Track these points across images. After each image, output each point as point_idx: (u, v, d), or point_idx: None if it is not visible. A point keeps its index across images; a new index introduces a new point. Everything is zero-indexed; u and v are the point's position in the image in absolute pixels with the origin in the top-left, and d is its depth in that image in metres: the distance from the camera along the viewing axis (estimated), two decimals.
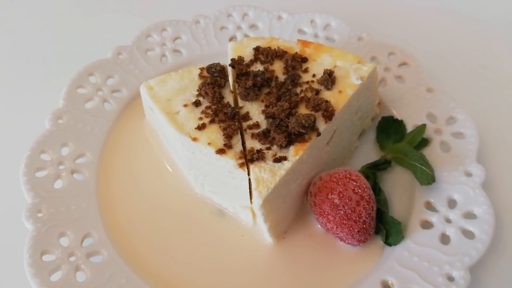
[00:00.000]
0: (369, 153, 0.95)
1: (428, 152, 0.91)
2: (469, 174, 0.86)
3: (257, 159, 0.77)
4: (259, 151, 0.78)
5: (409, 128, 0.95)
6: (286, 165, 0.76)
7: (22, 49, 1.16)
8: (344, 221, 0.78)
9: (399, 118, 0.97)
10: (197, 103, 0.84)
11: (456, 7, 1.25)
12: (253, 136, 0.80)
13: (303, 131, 0.78)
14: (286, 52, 0.91)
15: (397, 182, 0.90)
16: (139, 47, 1.06)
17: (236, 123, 0.81)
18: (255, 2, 1.15)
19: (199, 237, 0.85)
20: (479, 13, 1.23)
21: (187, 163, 0.86)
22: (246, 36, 1.11)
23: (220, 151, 0.78)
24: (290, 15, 1.13)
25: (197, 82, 0.88)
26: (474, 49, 1.15)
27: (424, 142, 0.92)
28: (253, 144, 0.79)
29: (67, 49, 1.16)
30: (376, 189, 0.87)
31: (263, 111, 0.83)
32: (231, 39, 1.10)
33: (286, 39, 1.07)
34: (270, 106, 0.82)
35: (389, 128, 0.96)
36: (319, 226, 0.84)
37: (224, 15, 1.13)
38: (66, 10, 1.26)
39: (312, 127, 0.79)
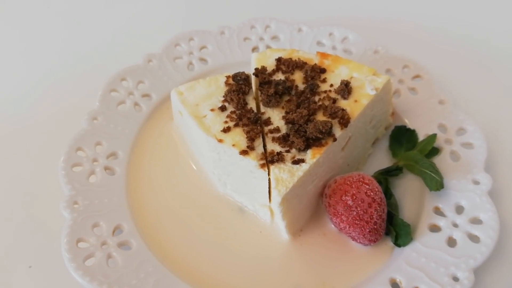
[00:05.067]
0: (382, 160, 1.01)
1: (438, 161, 0.96)
2: (476, 182, 0.91)
3: (277, 161, 0.83)
4: (279, 153, 0.84)
5: (421, 137, 1.00)
6: (304, 166, 0.82)
7: (61, 56, 1.25)
8: (356, 221, 0.84)
9: (412, 128, 1.02)
10: (222, 108, 0.91)
11: (469, 23, 1.30)
12: (273, 139, 0.86)
13: (320, 136, 0.84)
14: (306, 63, 0.97)
15: (407, 188, 0.95)
16: (168, 55, 1.13)
17: (258, 127, 0.88)
18: (277, 15, 1.23)
19: (220, 232, 0.91)
20: (492, 29, 1.28)
21: (211, 163, 0.93)
22: (268, 47, 1.17)
23: (243, 152, 0.84)
24: (309, 28, 1.19)
25: (223, 89, 0.95)
26: (485, 64, 1.20)
27: (435, 151, 0.97)
28: (274, 147, 0.86)
29: (103, 55, 1.24)
30: (388, 194, 0.92)
31: (283, 117, 0.89)
32: (253, 49, 1.17)
33: (306, 50, 1.14)
34: (290, 113, 0.89)
35: (402, 137, 1.01)
36: (333, 226, 0.90)
37: (247, 26, 1.20)
38: (101, 20, 1.34)
39: (329, 133, 0.85)
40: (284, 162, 0.83)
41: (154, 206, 0.94)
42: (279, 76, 0.96)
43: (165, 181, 0.98)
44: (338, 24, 1.19)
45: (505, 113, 1.10)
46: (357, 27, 1.19)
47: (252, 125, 0.88)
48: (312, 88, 0.92)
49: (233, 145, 0.85)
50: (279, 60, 0.98)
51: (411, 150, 0.98)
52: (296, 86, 0.94)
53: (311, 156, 0.83)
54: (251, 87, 0.95)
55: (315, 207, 0.92)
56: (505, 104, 1.11)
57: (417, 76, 1.10)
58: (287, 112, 0.90)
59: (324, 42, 1.18)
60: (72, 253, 0.82)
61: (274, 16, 1.21)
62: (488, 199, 0.88)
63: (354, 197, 0.84)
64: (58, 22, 1.34)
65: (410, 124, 1.03)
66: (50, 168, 0.96)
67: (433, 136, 0.97)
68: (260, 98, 0.93)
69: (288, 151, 0.85)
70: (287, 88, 0.93)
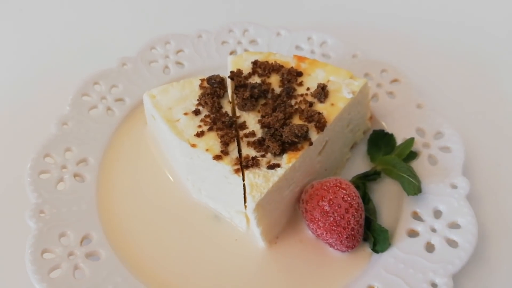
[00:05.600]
0: (360, 164, 0.99)
1: (416, 165, 0.95)
2: (454, 186, 0.90)
3: (252, 166, 0.81)
4: (254, 158, 0.82)
5: (399, 141, 0.99)
6: (279, 171, 0.80)
7: (31, 58, 1.21)
8: (333, 227, 0.82)
9: (390, 132, 1.01)
10: (196, 112, 0.89)
11: (447, 28, 1.30)
12: (249, 144, 0.84)
13: (296, 140, 0.82)
14: (282, 66, 0.95)
15: (386, 192, 0.94)
16: (143, 59, 1.10)
17: (233, 131, 0.86)
18: (256, 19, 1.21)
19: (194, 240, 0.88)
20: (470, 34, 1.29)
21: (185, 169, 0.90)
22: (245, 50, 1.16)
23: (217, 157, 0.82)
24: (288, 32, 1.18)
25: (198, 92, 0.92)
26: (462, 68, 1.20)
27: (413, 155, 0.96)
28: (249, 151, 0.83)
29: (75, 58, 1.20)
30: (366, 199, 0.90)
31: (259, 121, 0.87)
32: (231, 53, 1.15)
33: (284, 54, 1.13)
34: (266, 116, 0.87)
35: (380, 141, 1.00)
36: (310, 232, 0.88)
37: (225, 30, 1.18)
38: (73, 22, 1.31)
39: (304, 137, 0.83)
40: (259, 167, 0.81)
41: (126, 214, 0.91)
42: (255, 79, 0.94)
43: (137, 188, 0.94)
44: (317, 29, 1.18)
45: (482, 117, 1.10)
46: (335, 32, 1.18)
47: (226, 129, 0.85)
48: (289, 92, 0.91)
49: (207, 149, 0.83)
50: (255, 63, 0.96)
51: (389, 154, 0.97)
52: (272, 90, 0.92)
53: (287, 161, 0.81)
54: (227, 91, 0.93)
55: (292, 213, 0.90)
56: (482, 108, 1.12)
57: (395, 80, 1.09)
58: (263, 116, 0.88)
59: (302, 46, 1.17)
60: (36, 265, 0.79)
61: (253, 20, 1.19)
62: (466, 203, 0.88)
63: (331, 203, 0.82)
64: (30, 25, 1.30)
65: (388, 128, 1.02)
66: (16, 175, 0.92)
67: (411, 140, 0.96)
68: (235, 102, 0.90)
69: (263, 156, 0.82)
70: (263, 91, 0.91)
